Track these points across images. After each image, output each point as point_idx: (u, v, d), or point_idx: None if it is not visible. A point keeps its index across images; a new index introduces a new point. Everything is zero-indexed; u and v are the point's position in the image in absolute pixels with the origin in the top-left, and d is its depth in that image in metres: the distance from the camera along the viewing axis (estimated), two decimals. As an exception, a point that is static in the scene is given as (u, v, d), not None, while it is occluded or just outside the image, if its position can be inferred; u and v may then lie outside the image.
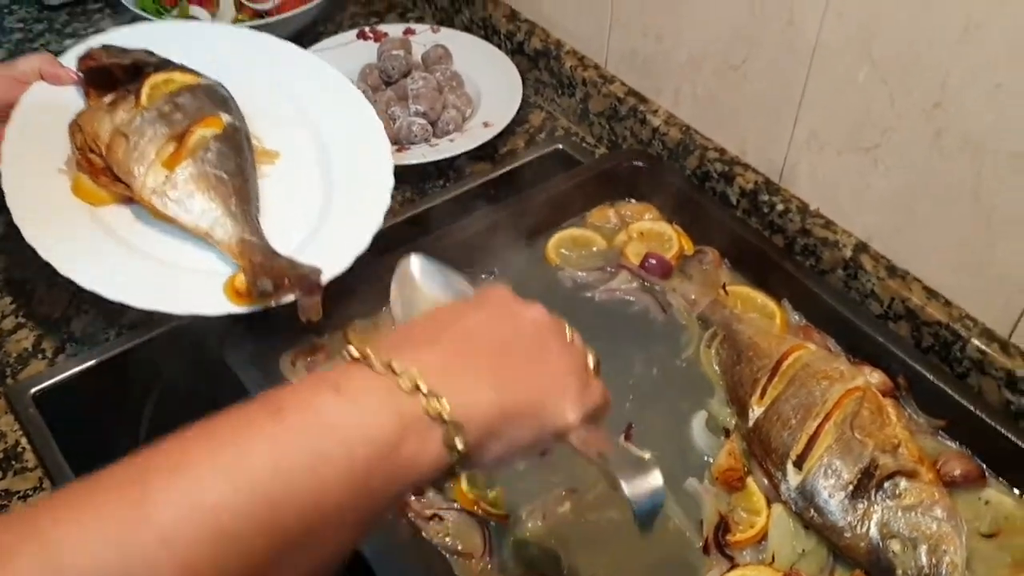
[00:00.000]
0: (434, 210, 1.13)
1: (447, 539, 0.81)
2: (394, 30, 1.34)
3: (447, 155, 1.14)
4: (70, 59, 1.01)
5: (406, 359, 0.52)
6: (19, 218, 0.88)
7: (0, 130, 0.94)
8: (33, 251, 0.88)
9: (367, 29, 1.33)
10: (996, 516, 0.83)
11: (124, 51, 1.00)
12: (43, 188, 0.92)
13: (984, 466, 0.86)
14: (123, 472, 0.45)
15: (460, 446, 0.52)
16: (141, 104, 0.94)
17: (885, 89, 0.89)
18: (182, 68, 0.99)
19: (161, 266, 0.90)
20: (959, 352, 0.92)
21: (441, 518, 0.83)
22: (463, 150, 1.15)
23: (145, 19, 1.27)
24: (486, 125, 1.19)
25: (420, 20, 1.43)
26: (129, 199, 0.93)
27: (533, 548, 0.82)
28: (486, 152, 1.20)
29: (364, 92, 1.22)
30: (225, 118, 0.96)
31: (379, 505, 0.51)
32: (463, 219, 1.06)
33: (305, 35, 1.35)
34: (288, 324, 0.90)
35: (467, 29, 1.37)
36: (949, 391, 0.89)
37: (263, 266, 0.87)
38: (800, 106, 0.98)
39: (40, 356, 0.96)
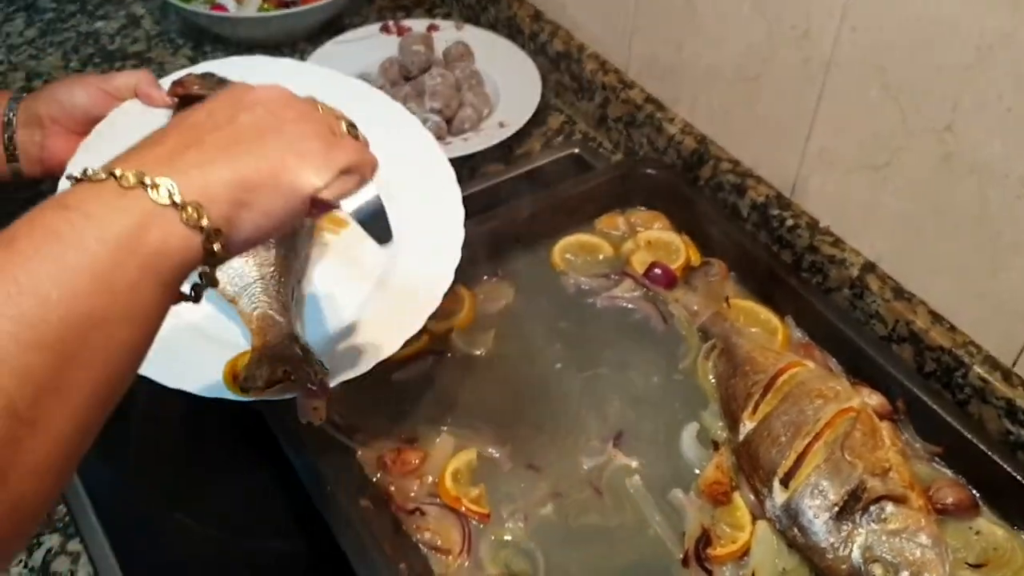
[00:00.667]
0: (444, 208, 1.12)
1: (427, 534, 0.82)
2: (418, 25, 1.34)
3: (460, 154, 1.14)
4: (168, 82, 0.97)
5: (129, 163, 0.54)
6: None
7: (78, 141, 0.93)
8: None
9: (391, 23, 1.34)
10: (986, 547, 0.82)
11: (221, 82, 0.96)
12: None
13: (978, 496, 0.85)
14: None
15: (204, 223, 0.53)
16: None
17: (897, 108, 0.87)
18: None
19: (177, 326, 0.80)
20: (961, 379, 0.90)
21: (423, 512, 0.83)
22: (476, 149, 1.15)
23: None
24: (502, 125, 1.19)
25: (447, 16, 1.43)
26: None
27: (511, 549, 0.82)
28: (501, 153, 1.20)
29: (382, 87, 1.23)
30: None
31: (143, 305, 0.52)
32: (471, 219, 1.06)
33: (331, 26, 1.36)
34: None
35: (492, 27, 1.37)
36: (948, 418, 0.88)
37: (273, 351, 0.79)
38: (813, 121, 0.97)
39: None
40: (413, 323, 0.85)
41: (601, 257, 1.08)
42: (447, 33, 1.32)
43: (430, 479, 0.85)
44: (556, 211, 1.09)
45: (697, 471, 0.87)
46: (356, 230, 0.91)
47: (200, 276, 0.59)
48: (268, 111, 0.59)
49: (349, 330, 0.86)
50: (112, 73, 0.98)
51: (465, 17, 1.43)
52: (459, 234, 0.91)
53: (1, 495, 0.46)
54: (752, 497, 0.85)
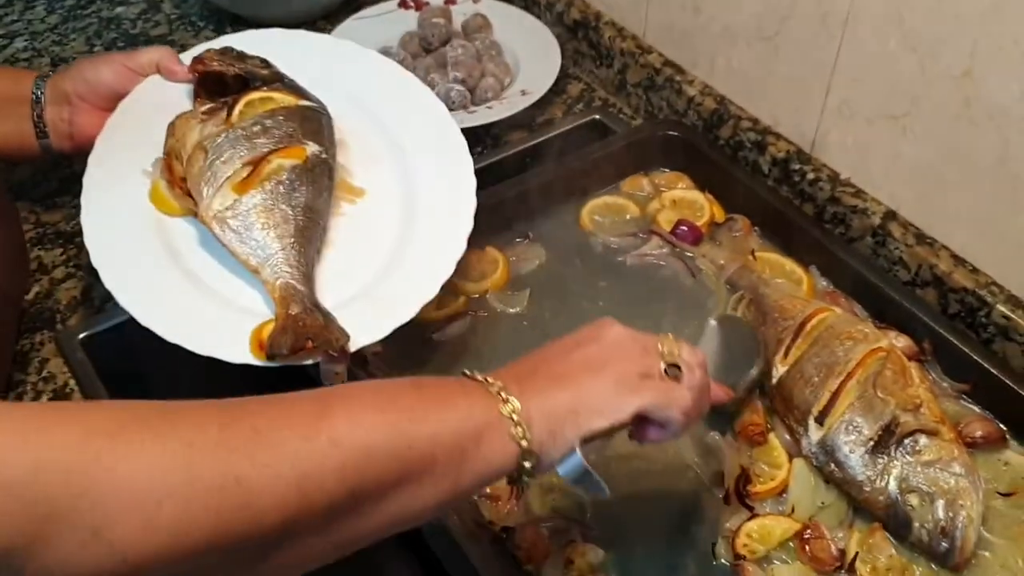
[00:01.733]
0: (471, 175, 1.15)
1: (477, 483, 0.84)
2: None
3: (483, 122, 1.16)
4: (190, 58, 0.99)
5: (499, 376, 0.65)
6: (87, 221, 0.88)
7: (105, 116, 0.96)
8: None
9: (410, -1, 1.36)
10: (1015, 476, 0.85)
11: (241, 57, 0.98)
12: (120, 188, 0.91)
13: (1005, 429, 0.88)
14: (311, 396, 0.60)
15: (525, 442, 0.62)
16: (231, 121, 0.91)
17: (915, 57, 0.90)
18: (290, 86, 0.96)
19: (202, 296, 0.86)
20: (984, 318, 0.93)
21: (471, 462, 0.86)
22: (500, 117, 1.17)
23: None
24: (524, 93, 1.21)
25: (462, -8, 1.45)
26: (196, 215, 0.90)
27: (558, 493, 0.84)
28: (523, 121, 1.23)
29: (403, 60, 1.26)
30: (310, 149, 0.91)
31: (466, 479, 0.61)
32: (499, 185, 1.09)
33: (350, 4, 1.39)
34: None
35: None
36: (973, 356, 0.91)
37: (296, 319, 0.81)
38: (832, 75, 1.00)
39: (88, 304, 1.01)
40: (429, 289, 0.88)
41: (628, 217, 1.11)
42: (465, 6, 1.34)
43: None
44: (582, 175, 1.12)
45: (733, 415, 0.90)
46: (372, 200, 0.96)
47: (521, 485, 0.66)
48: (600, 349, 0.69)
49: (368, 297, 0.88)
50: (136, 50, 1.01)
51: (480, -9, 1.45)
52: (471, 203, 0.94)
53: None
54: (787, 436, 0.88)
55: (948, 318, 0.95)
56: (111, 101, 0.97)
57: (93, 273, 1.03)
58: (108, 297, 1.00)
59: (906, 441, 0.82)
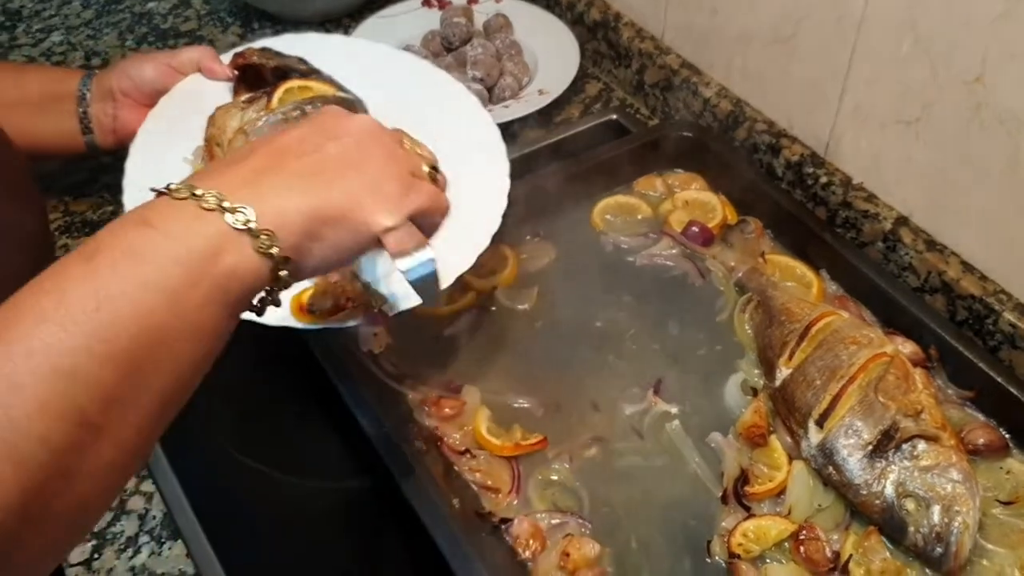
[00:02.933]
0: (487, 172, 1.17)
1: (477, 474, 0.86)
2: (459, -1, 1.38)
3: (501, 120, 1.17)
4: (229, 57, 1.03)
5: (211, 183, 0.56)
6: (128, 200, 0.90)
7: (147, 112, 0.99)
8: (109, 194, 0.93)
9: (433, -2, 1.38)
10: (1016, 485, 0.85)
11: (278, 55, 1.01)
12: (161, 174, 0.92)
13: (1008, 437, 0.88)
14: None
15: (275, 251, 0.56)
16: (271, 106, 0.94)
17: (927, 62, 0.90)
18: (327, 79, 0.99)
19: None
20: (992, 325, 0.93)
21: (473, 454, 0.87)
22: (516, 116, 1.19)
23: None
24: (542, 93, 1.23)
25: (486, -9, 1.47)
26: None
27: (558, 488, 0.86)
28: (541, 120, 1.24)
29: (425, 58, 1.27)
30: None
31: (209, 324, 0.55)
32: (513, 182, 1.10)
33: (373, 2, 1.41)
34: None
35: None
36: (979, 363, 0.90)
37: (336, 285, 0.85)
38: (846, 79, 1.00)
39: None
40: (463, 263, 0.87)
41: (639, 217, 1.11)
42: (486, 6, 1.36)
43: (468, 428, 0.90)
44: (595, 173, 1.13)
45: (736, 417, 0.91)
46: None
47: (266, 295, 0.60)
48: (355, 144, 0.62)
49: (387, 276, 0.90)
50: (177, 49, 1.04)
51: (503, -9, 1.46)
52: (503, 201, 0.93)
53: (68, 496, 0.50)
54: (788, 439, 0.88)
55: (956, 325, 0.95)
56: (153, 97, 1.00)
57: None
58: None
59: (905, 446, 0.82)
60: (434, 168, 0.67)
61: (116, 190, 0.96)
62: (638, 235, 1.09)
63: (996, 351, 0.93)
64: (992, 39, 0.84)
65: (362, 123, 0.65)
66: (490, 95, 1.23)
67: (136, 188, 0.92)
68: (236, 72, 1.01)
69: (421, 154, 0.67)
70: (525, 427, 0.89)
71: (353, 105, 0.97)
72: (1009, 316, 0.91)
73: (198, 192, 0.55)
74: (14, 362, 0.48)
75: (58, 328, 0.49)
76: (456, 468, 0.86)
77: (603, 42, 1.30)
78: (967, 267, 0.95)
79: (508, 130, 1.22)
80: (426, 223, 0.64)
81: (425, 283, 0.64)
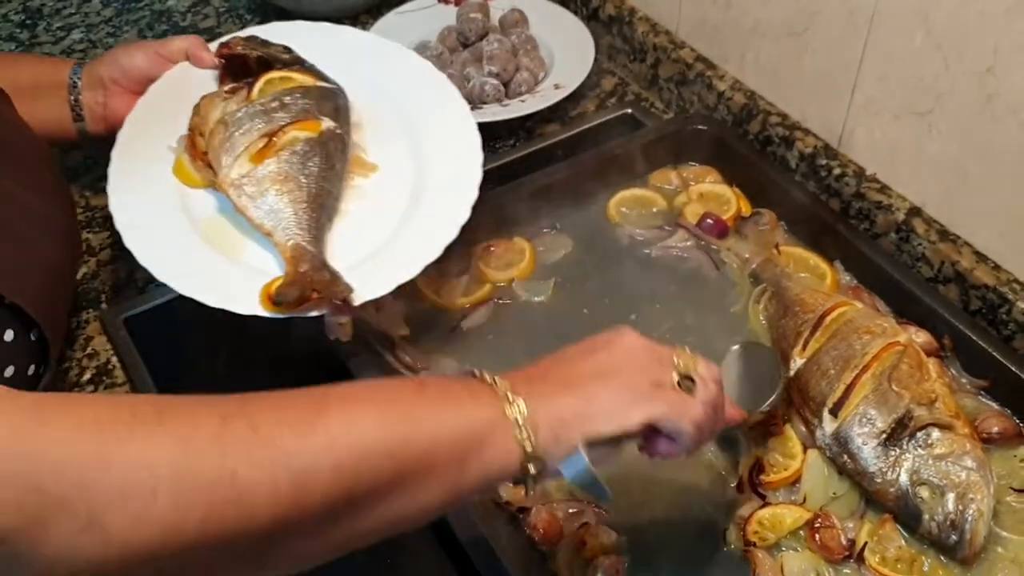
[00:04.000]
0: (502, 167, 1.18)
1: (496, 465, 0.87)
2: (474, -5, 1.39)
3: (516, 115, 1.19)
4: (216, 45, 1.05)
5: (509, 378, 0.65)
6: (112, 185, 0.93)
7: (136, 100, 1.01)
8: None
9: (450, -7, 1.39)
10: (1030, 472, 0.86)
11: (263, 44, 1.03)
12: (146, 161, 0.97)
13: (1022, 425, 0.88)
14: (309, 393, 0.60)
15: (529, 447, 0.62)
16: (251, 97, 0.97)
17: (940, 54, 0.91)
18: (309, 69, 1.01)
19: (217, 257, 0.91)
20: (1005, 315, 0.93)
21: (491, 445, 0.88)
22: (533, 110, 1.20)
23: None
24: (557, 87, 1.24)
25: (501, -13, 1.48)
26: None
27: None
28: (557, 114, 1.25)
29: (441, 54, 1.28)
30: (325, 124, 0.96)
31: (466, 481, 0.62)
32: (528, 176, 1.11)
33: (390, -1, 1.42)
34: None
35: (545, -5, 1.41)
36: (993, 352, 0.91)
37: (305, 275, 0.86)
38: (859, 71, 1.00)
39: (132, 285, 1.05)
40: (432, 251, 0.91)
41: (655, 210, 1.12)
42: (502, 1, 1.37)
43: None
44: (611, 167, 1.14)
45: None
46: (384, 175, 1.00)
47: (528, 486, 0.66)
48: (610, 356, 0.68)
49: (375, 259, 0.92)
50: (166, 39, 1.07)
51: (518, -14, 1.47)
52: (478, 173, 0.97)
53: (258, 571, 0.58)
54: (803, 428, 0.89)
55: (969, 314, 0.96)
56: (143, 85, 1.03)
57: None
58: (150, 279, 1.05)
59: (919, 434, 0.83)
60: (688, 378, 0.70)
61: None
62: (653, 227, 1.10)
63: (1010, 340, 0.94)
64: (1004, 31, 0.85)
65: (629, 339, 0.71)
66: (506, 90, 1.24)
67: (121, 175, 0.95)
68: (222, 61, 1.04)
69: (678, 363, 0.70)
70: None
71: (334, 93, 1.00)
72: (1022, 305, 0.92)
73: (498, 381, 0.65)
74: (340, 426, 0.58)
75: (380, 420, 0.59)
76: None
77: (618, 37, 1.31)
78: (980, 257, 0.96)
79: (525, 124, 1.23)
80: (671, 430, 0.67)
81: (582, 482, 0.66)
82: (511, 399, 0.63)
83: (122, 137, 0.98)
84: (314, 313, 0.86)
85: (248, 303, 0.86)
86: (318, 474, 0.55)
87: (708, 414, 0.69)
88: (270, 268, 0.90)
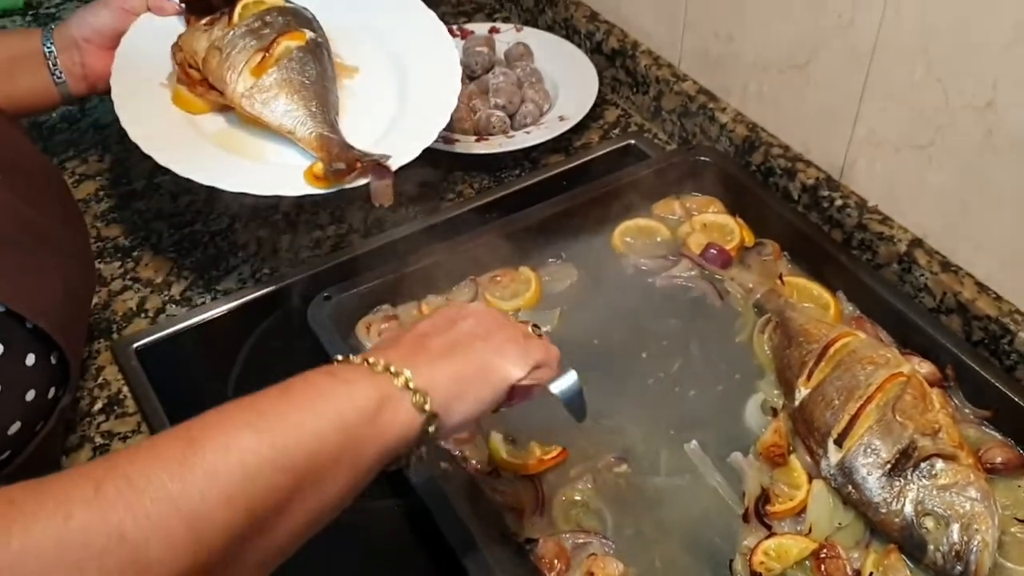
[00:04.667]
0: (508, 197, 1.20)
1: (502, 496, 0.88)
2: (480, 28, 1.41)
3: (522, 146, 1.20)
4: None
5: (377, 357, 0.67)
6: (127, 121, 1.01)
7: (110, 55, 1.07)
8: (140, 220, 0.96)
9: (455, 27, 1.41)
10: (1034, 503, 0.86)
11: None
12: (147, 99, 1.06)
13: (1026, 456, 0.89)
14: (175, 432, 0.59)
15: (428, 406, 0.65)
16: (233, 22, 1.05)
17: (940, 88, 0.92)
18: None
19: (248, 159, 1.02)
20: (1007, 345, 0.94)
21: (498, 474, 0.89)
22: (538, 141, 1.22)
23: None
24: (562, 119, 1.25)
25: (506, 20, 1.50)
26: (222, 107, 1.06)
27: (581, 508, 0.87)
28: (561, 145, 1.27)
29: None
30: (309, 33, 1.06)
31: (366, 461, 0.63)
32: (534, 207, 1.12)
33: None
34: (366, 297, 1.01)
35: (550, 29, 1.43)
36: (996, 383, 0.92)
37: (339, 156, 0.97)
38: (860, 104, 1.02)
39: (143, 315, 1.06)
40: (441, 119, 1.05)
41: (659, 240, 1.14)
42: (507, 35, 1.39)
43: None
44: (615, 197, 1.15)
45: (756, 436, 0.92)
46: (366, 74, 1.12)
47: (413, 449, 0.68)
48: (477, 322, 0.73)
49: (392, 132, 1.05)
50: None
51: (524, 20, 1.49)
52: (454, 54, 1.12)
53: None
54: (808, 458, 0.90)
55: (972, 345, 0.97)
56: (114, 40, 1.08)
57: (148, 287, 1.09)
58: (161, 309, 1.06)
59: (923, 465, 0.83)
60: (536, 327, 0.79)
61: (149, 216, 0.99)
62: (658, 257, 1.11)
63: (1012, 370, 0.94)
64: (1003, 65, 0.86)
65: (474, 307, 0.80)
66: (512, 121, 1.26)
67: (128, 112, 1.02)
68: (182, 4, 1.10)
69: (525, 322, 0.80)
70: (542, 441, 0.91)
71: (304, 10, 1.09)
72: (1025, 336, 0.93)
73: (370, 360, 0.67)
74: (216, 455, 0.56)
75: (255, 436, 0.58)
76: (481, 488, 0.88)
77: (621, 69, 1.33)
78: (982, 288, 0.97)
79: (530, 155, 1.25)
80: (543, 371, 0.74)
81: (575, 398, 0.75)
82: (395, 371, 0.65)
83: (115, 84, 1.04)
84: (361, 182, 0.97)
85: (296, 186, 0.97)
86: (210, 509, 0.54)
87: (558, 352, 0.76)
88: (295, 162, 1.00)
